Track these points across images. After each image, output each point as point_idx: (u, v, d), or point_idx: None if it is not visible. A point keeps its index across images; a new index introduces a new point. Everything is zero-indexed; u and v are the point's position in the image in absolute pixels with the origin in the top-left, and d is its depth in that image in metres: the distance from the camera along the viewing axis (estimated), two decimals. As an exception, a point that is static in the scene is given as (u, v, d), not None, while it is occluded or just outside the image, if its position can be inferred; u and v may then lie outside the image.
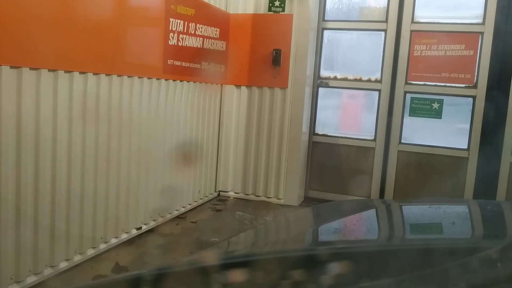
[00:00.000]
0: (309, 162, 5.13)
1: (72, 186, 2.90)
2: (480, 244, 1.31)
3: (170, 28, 3.76)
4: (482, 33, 4.47)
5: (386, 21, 4.75)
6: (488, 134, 4.47)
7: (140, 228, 3.67)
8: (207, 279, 1.05)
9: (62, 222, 2.85)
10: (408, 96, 4.74)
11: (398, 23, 4.70)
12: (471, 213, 1.78)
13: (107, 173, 3.24)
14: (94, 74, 3.00)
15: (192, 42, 4.12)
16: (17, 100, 2.47)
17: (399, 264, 1.09)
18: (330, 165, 5.07)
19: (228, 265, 1.13)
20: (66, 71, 2.76)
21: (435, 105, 4.64)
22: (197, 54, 4.23)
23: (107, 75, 3.12)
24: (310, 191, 5.17)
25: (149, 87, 3.63)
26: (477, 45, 4.49)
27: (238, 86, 4.94)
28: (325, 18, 4.98)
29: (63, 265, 2.91)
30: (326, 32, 5.00)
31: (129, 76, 3.36)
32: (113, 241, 3.37)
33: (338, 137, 5.03)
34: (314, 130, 5.11)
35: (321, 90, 5.06)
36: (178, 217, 4.21)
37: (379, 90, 4.83)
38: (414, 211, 1.81)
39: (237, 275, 1.05)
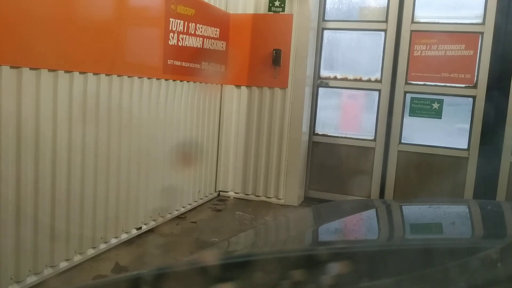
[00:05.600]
0: (309, 162, 5.13)
1: (72, 186, 2.90)
2: (480, 244, 1.31)
3: (170, 28, 3.76)
4: (482, 33, 4.47)
5: (386, 21, 4.75)
6: (488, 134, 4.47)
7: (140, 228, 3.67)
8: (207, 279, 1.05)
9: (62, 222, 2.85)
10: (408, 96, 4.74)
11: (398, 23, 4.70)
12: (471, 213, 1.78)
13: (107, 173, 3.24)
14: (94, 74, 3.00)
15: (192, 42, 4.12)
16: (17, 100, 2.47)
17: (399, 264, 1.09)
18: (330, 165, 5.07)
19: (228, 265, 1.13)
20: (66, 71, 2.76)
21: (435, 105, 4.64)
22: (197, 54, 4.23)
23: (107, 75, 3.12)
24: (310, 191, 5.17)
25: (149, 87, 3.63)
26: (477, 45, 4.49)
27: (238, 86, 4.94)
28: (325, 18, 4.98)
29: (63, 265, 2.91)
30: (326, 32, 5.00)
31: (129, 76, 3.36)
32: (113, 241, 3.37)
33: (338, 137, 5.03)
34: (314, 130, 5.11)
35: (321, 90, 5.06)
36: (178, 217, 4.21)
37: (379, 90, 4.83)
38: (414, 211, 1.80)
39: (237, 275, 1.05)
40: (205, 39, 4.34)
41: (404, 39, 4.69)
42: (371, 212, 1.76)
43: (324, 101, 5.11)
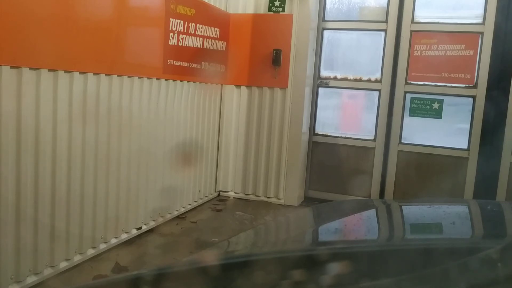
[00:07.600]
0: (309, 162, 5.13)
1: (72, 186, 2.90)
2: (480, 244, 1.31)
3: (170, 28, 3.76)
4: (482, 33, 4.47)
5: (386, 21, 4.75)
6: (488, 134, 4.47)
7: (140, 228, 3.67)
8: (207, 279, 1.05)
9: (62, 222, 2.85)
10: (408, 96, 4.74)
11: (398, 23, 4.69)
12: (471, 213, 1.78)
13: (107, 173, 3.24)
14: (94, 74, 3.00)
15: (192, 42, 4.12)
16: (17, 100, 2.47)
17: (399, 264, 1.09)
18: (330, 165, 5.07)
19: (228, 265, 1.13)
20: (66, 71, 2.76)
21: (435, 105, 4.64)
22: (197, 54, 4.23)
23: (107, 75, 3.12)
24: (310, 191, 5.17)
25: (149, 87, 3.63)
26: (477, 45, 4.49)
27: (238, 86, 4.94)
28: (325, 18, 4.98)
29: (63, 265, 2.91)
30: (326, 32, 5.00)
31: (129, 76, 3.36)
32: (113, 241, 3.37)
33: (338, 137, 5.03)
34: (314, 130, 5.11)
35: (321, 90, 5.06)
36: (178, 217, 4.21)
37: (379, 90, 4.83)
38: (414, 211, 1.81)
39: (237, 275, 1.04)
40: (205, 39, 4.34)
41: (404, 39, 4.69)
42: (371, 212, 1.76)
43: (324, 101, 5.10)
